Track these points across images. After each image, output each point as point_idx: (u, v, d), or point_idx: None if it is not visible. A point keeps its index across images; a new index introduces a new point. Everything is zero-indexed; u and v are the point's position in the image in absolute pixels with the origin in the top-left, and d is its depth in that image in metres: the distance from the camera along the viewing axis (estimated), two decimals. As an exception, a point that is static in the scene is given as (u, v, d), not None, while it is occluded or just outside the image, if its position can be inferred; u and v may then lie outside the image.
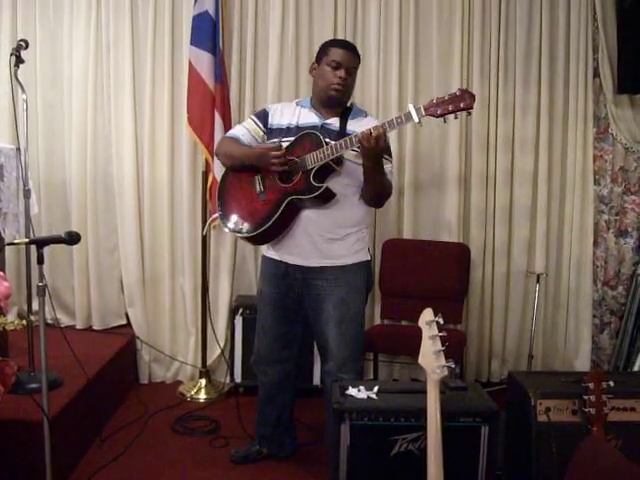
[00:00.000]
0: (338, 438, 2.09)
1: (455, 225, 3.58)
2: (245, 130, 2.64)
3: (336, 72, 2.47)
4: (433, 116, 2.22)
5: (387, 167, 2.48)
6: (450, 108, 2.19)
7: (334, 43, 2.59)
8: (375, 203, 2.59)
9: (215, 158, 3.30)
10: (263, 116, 2.65)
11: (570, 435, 2.07)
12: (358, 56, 2.56)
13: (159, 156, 3.60)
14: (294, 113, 2.59)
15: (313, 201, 2.44)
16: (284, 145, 2.50)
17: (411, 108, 2.22)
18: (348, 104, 2.62)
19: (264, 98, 3.52)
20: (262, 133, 2.63)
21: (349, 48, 2.53)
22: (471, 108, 2.19)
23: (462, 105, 2.19)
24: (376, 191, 2.49)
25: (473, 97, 2.19)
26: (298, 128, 2.53)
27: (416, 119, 2.21)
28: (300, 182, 2.43)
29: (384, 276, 3.51)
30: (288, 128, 2.56)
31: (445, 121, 2.25)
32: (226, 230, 2.62)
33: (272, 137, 2.59)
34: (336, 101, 2.53)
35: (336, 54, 2.48)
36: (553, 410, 2.17)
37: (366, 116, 2.61)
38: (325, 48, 2.54)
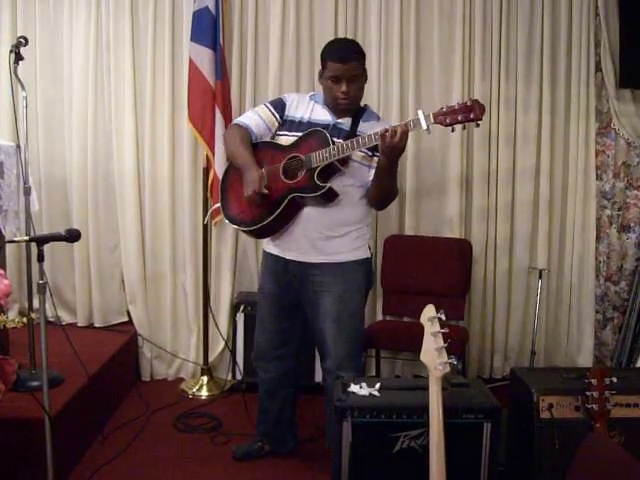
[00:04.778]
0: (340, 435, 2.09)
1: (457, 221, 3.57)
2: (259, 119, 2.58)
3: (337, 86, 2.43)
4: (442, 124, 2.19)
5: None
6: (459, 118, 2.16)
7: (330, 56, 2.45)
8: (379, 205, 2.58)
9: (216, 155, 3.33)
10: (280, 106, 2.59)
11: (573, 432, 2.06)
12: (358, 57, 2.45)
13: (160, 153, 3.59)
14: (307, 107, 2.57)
15: (315, 200, 2.42)
16: (291, 141, 2.48)
17: (420, 115, 2.18)
18: (362, 104, 2.58)
19: (265, 94, 3.51)
20: (277, 124, 2.58)
21: (345, 59, 2.40)
22: (480, 120, 2.16)
23: (472, 116, 2.15)
24: (384, 193, 2.47)
25: (483, 109, 2.16)
26: (310, 123, 2.51)
27: (424, 126, 2.18)
28: (304, 180, 2.40)
29: (386, 272, 3.51)
30: (300, 122, 2.53)
31: (453, 130, 2.22)
32: (227, 222, 2.61)
33: (284, 129, 2.56)
34: (346, 109, 2.50)
35: (333, 69, 2.42)
36: (556, 406, 2.17)
37: (379, 120, 2.58)
38: (324, 60, 2.47)
